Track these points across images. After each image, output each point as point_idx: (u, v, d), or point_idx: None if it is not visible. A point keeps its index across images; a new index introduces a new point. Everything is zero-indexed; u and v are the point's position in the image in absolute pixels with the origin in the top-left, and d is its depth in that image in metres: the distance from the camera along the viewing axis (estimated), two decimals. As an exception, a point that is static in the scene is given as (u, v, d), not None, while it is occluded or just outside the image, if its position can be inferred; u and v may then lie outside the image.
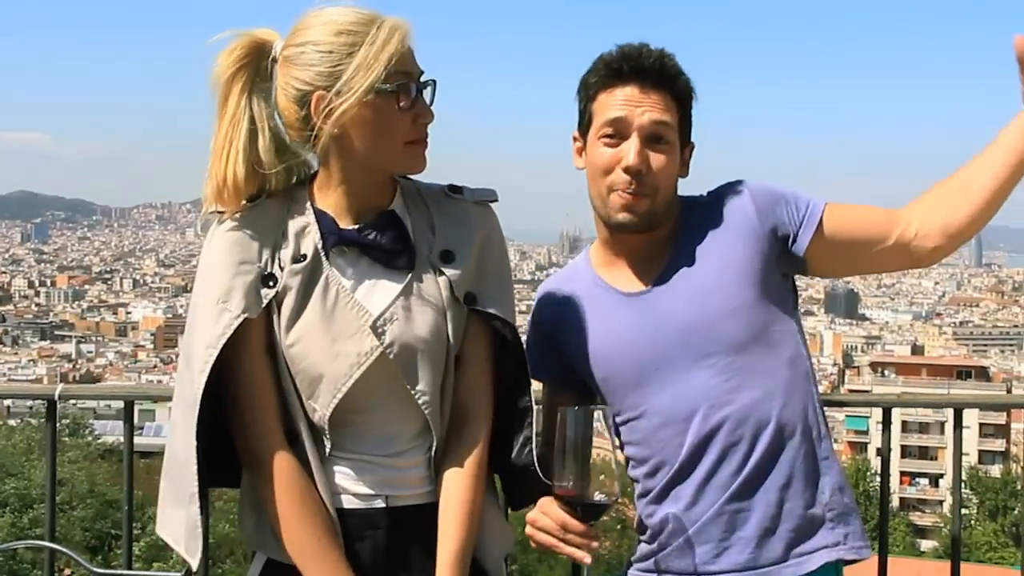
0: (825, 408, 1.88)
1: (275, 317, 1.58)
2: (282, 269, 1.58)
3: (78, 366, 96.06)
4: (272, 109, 1.61)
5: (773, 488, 1.70)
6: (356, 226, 1.62)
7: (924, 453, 57.63)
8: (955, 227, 1.70)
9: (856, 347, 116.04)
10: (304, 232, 1.61)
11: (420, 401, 1.61)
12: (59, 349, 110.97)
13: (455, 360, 1.65)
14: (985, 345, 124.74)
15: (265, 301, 1.57)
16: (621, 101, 1.73)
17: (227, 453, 1.63)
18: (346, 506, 1.62)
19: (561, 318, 1.87)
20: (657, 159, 1.72)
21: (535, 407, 1.68)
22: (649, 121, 1.71)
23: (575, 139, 1.83)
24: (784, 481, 1.70)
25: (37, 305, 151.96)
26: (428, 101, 1.59)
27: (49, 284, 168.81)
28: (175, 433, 1.59)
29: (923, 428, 57.94)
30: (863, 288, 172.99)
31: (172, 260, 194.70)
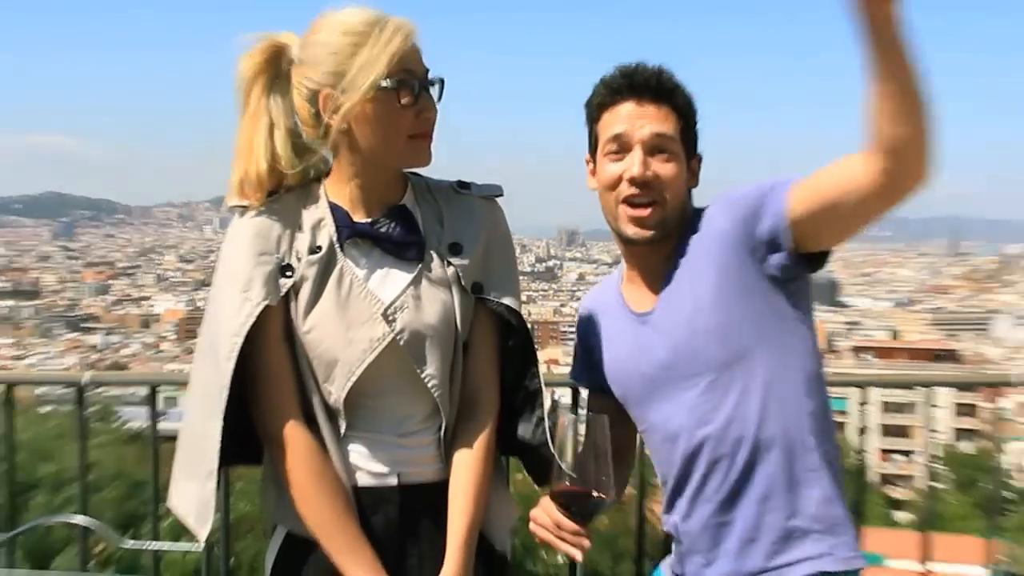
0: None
1: (292, 305, 1.59)
2: (299, 260, 1.59)
3: (105, 356, 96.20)
4: (290, 108, 1.61)
5: (752, 501, 1.65)
6: (369, 219, 1.63)
7: (901, 431, 57.82)
8: (884, 138, 1.39)
9: (838, 333, 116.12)
10: (320, 225, 1.62)
11: (430, 385, 1.61)
12: (87, 340, 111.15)
13: (464, 346, 1.66)
14: (959, 330, 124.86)
15: (283, 290, 1.58)
16: (622, 117, 1.70)
17: (241, 433, 1.63)
18: (360, 483, 1.63)
19: (592, 333, 1.87)
20: (662, 167, 1.69)
21: (544, 388, 1.68)
22: (650, 133, 1.68)
23: (587, 161, 1.80)
24: (763, 494, 1.65)
25: (66, 299, 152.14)
26: (436, 97, 1.59)
27: (77, 279, 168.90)
28: (193, 414, 1.61)
29: (900, 407, 58.14)
30: (845, 277, 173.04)
31: (192, 256, 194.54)
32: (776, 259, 1.63)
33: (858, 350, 76.60)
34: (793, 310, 1.68)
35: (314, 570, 1.61)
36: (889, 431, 56.43)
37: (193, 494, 1.60)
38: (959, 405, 56.98)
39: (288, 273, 1.58)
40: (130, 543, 2.67)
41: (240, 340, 1.53)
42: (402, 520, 1.63)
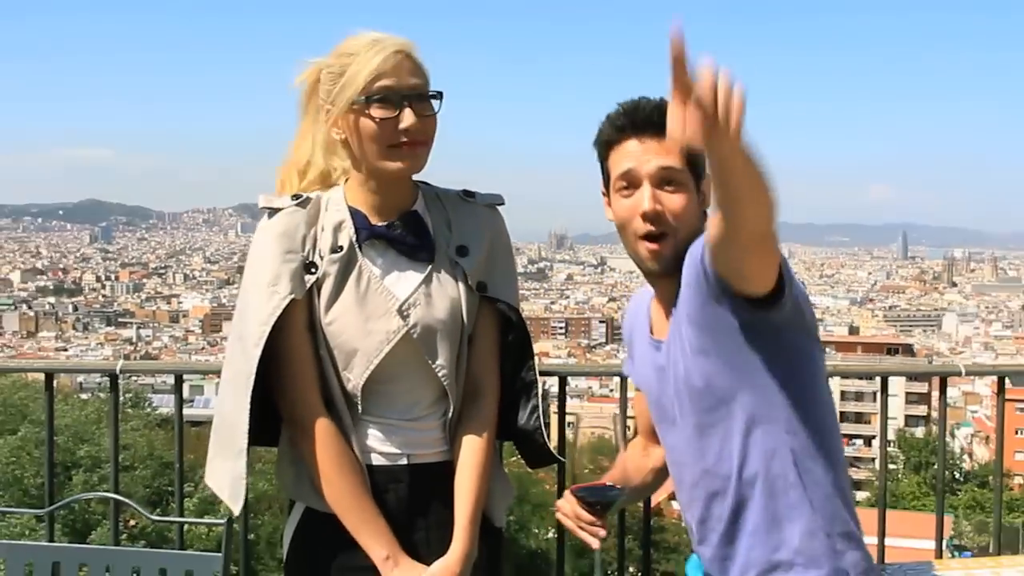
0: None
1: (315, 299, 1.60)
2: (322, 258, 1.61)
3: (138, 348, 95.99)
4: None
5: (746, 534, 1.59)
6: (385, 223, 1.64)
7: (859, 418, 58.16)
8: (732, 218, 1.32)
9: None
10: (340, 227, 1.63)
11: (439, 374, 1.63)
12: (122, 334, 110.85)
13: (468, 339, 1.67)
14: (911, 326, 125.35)
15: (308, 285, 1.59)
16: (628, 154, 1.62)
17: (265, 417, 1.62)
18: (374, 463, 1.63)
19: (630, 341, 1.82)
20: (671, 200, 1.59)
21: (539, 379, 1.70)
22: (656, 168, 1.59)
23: (603, 194, 1.72)
24: (752, 528, 1.58)
25: (103, 296, 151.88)
26: (435, 110, 1.58)
27: (113, 278, 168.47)
28: (225, 398, 1.62)
29: (858, 396, 58.48)
30: (806, 278, 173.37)
31: (217, 257, 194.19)
32: (734, 304, 1.48)
33: (820, 344, 76.63)
34: (776, 345, 1.52)
35: (332, 543, 1.61)
36: (846, 418, 56.75)
37: (226, 472, 1.61)
38: (909, 394, 57.37)
39: (312, 269, 1.60)
40: (156, 519, 2.64)
41: (267, 329, 1.54)
42: (411, 497, 1.63)
